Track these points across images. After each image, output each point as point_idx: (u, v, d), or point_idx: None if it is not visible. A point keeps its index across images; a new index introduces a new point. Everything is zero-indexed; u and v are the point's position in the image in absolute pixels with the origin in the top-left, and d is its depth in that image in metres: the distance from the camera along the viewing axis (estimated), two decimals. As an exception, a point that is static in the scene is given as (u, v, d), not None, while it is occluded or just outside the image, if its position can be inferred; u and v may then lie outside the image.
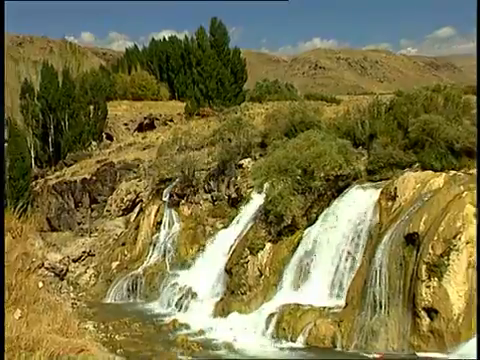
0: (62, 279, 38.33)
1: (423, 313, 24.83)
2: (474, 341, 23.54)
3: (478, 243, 22.31)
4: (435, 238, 25.46)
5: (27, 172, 49.22)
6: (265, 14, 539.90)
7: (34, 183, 49.63)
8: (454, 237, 25.17)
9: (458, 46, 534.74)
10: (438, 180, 28.61)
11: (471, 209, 25.66)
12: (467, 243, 25.02)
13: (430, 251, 25.34)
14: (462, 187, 27.29)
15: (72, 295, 36.35)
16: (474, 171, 28.89)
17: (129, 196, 44.36)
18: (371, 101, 37.97)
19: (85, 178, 47.27)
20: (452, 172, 29.13)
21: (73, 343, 9.17)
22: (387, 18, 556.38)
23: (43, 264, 37.57)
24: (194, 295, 33.20)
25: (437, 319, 24.56)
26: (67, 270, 39.12)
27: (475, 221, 25.55)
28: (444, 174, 29.05)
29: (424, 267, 25.22)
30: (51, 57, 68.80)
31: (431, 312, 24.72)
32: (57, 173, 50.61)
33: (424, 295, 24.93)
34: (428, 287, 24.96)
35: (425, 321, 24.77)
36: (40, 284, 12.37)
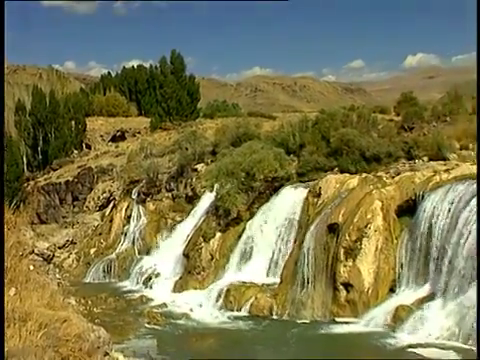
0: (49, 263, 37.84)
1: (341, 287, 25.15)
2: (380, 308, 24.05)
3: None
4: (351, 227, 25.79)
5: (20, 175, 48.54)
6: (215, 47, 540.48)
7: (26, 184, 48.87)
8: (365, 226, 25.56)
9: (367, 75, 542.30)
10: (353, 181, 28.94)
11: (378, 204, 26.07)
12: (375, 231, 25.44)
13: (347, 238, 25.66)
14: (372, 186, 27.66)
15: (57, 276, 35.79)
16: (381, 173, 29.30)
17: (104, 195, 43.96)
18: (300, 118, 38.22)
19: (68, 180, 46.73)
20: (364, 174, 29.46)
21: (58, 315, 9.08)
22: (312, 52, 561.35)
23: (33, 251, 37.04)
24: (158, 275, 33.04)
25: (352, 291, 24.92)
26: (53, 255, 38.76)
27: (381, 213, 25.97)
28: (358, 176, 29.39)
29: (342, 250, 25.53)
30: (40, 81, 67.96)
31: (347, 286, 25.06)
32: (45, 176, 49.87)
33: (342, 273, 25.24)
34: (345, 266, 25.28)
35: (343, 293, 25.09)
36: (31, 267, 12.23)
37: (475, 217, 22.37)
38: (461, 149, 30.68)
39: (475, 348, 20.18)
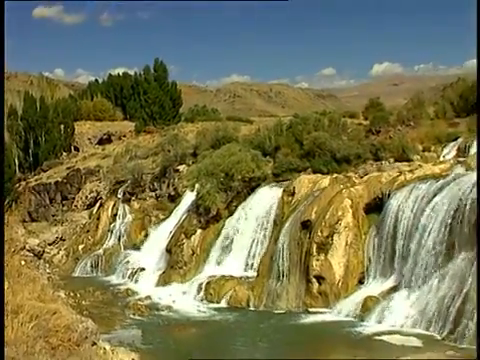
0: (40, 258, 37.85)
1: (314, 280, 25.29)
2: (349, 298, 24.24)
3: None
4: (323, 224, 25.94)
5: (12, 176, 48.05)
6: (196, 56, 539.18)
7: (18, 185, 48.38)
8: (336, 223, 25.73)
9: (337, 82, 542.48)
10: (325, 181, 29.10)
11: (348, 202, 26.26)
12: (345, 227, 25.62)
13: (319, 233, 25.80)
14: (342, 186, 27.85)
15: (48, 270, 35.68)
16: (351, 173, 29.50)
17: (92, 194, 43.69)
18: (275, 122, 38.30)
19: (58, 180, 46.36)
20: (335, 175, 29.65)
21: (48, 307, 9.07)
22: (286, 60, 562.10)
23: (25, 247, 36.78)
24: (142, 269, 32.93)
25: (324, 283, 25.07)
26: (44, 251, 38.65)
27: (351, 211, 26.15)
28: (329, 176, 29.57)
29: (315, 245, 25.66)
30: (31, 88, 67.11)
31: (319, 279, 25.20)
32: (36, 177, 49.42)
33: (315, 266, 25.38)
34: (317, 260, 25.41)
35: (315, 285, 25.23)
36: (23, 262, 12.19)
37: (436, 214, 22.68)
38: (424, 151, 31.00)
39: (437, 335, 20.56)
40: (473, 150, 28.20)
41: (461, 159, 27.76)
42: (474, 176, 22.64)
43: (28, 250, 37.18)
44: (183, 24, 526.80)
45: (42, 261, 37.87)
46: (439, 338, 20.31)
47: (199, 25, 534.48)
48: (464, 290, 20.56)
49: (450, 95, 38.19)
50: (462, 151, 29.34)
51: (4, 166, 45.66)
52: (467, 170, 25.29)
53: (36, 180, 48.53)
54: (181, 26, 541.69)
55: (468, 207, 21.64)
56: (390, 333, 21.18)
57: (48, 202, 45.97)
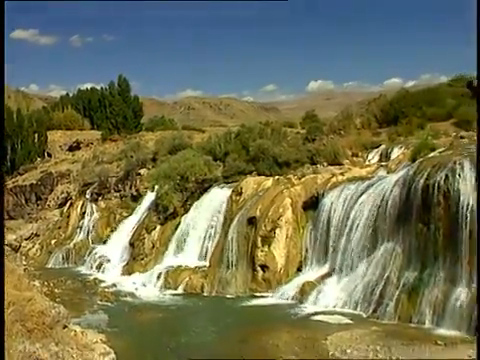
0: (16, 252, 36.88)
1: (259, 268, 25.35)
2: (289, 284, 24.38)
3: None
4: (266, 220, 26.04)
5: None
6: (155, 73, 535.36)
7: (-4, 187, 47.29)
8: (278, 219, 25.85)
9: (278, 96, 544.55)
10: (268, 182, 29.23)
11: (288, 200, 26.43)
12: (286, 222, 25.77)
13: (263, 228, 25.88)
14: (283, 186, 28.01)
15: (24, 262, 34.90)
16: (290, 176, 29.64)
17: (63, 195, 42.92)
18: (225, 131, 38.33)
19: (32, 183, 45.45)
20: (277, 177, 29.78)
21: (24, 295, 8.90)
22: (234, 78, 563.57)
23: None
24: (108, 261, 32.48)
25: (267, 271, 25.15)
26: (20, 246, 37.79)
27: (290, 208, 26.30)
28: (272, 178, 29.68)
29: (260, 238, 25.74)
30: (9, 101, 65.57)
31: (264, 267, 25.28)
32: (13, 180, 48.28)
33: (260, 256, 25.44)
34: (262, 251, 25.49)
35: (260, 273, 25.29)
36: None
37: (363, 210, 23.02)
38: (352, 156, 31.47)
39: (363, 313, 20.88)
40: (393, 155, 28.87)
41: (383, 163, 28.35)
42: (394, 177, 23.13)
43: (6, 245, 36.24)
44: (144, 45, 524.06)
45: (19, 254, 37.08)
46: (365, 316, 20.71)
47: (158, 46, 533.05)
48: (385, 275, 20.99)
49: (373, 109, 38.95)
50: (384, 156, 29.97)
51: (3, 168, 44.46)
52: (388, 172, 25.83)
53: (13, 183, 47.46)
54: (142, 47, 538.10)
55: (390, 204, 22.08)
56: (324, 313, 21.43)
57: (24, 202, 44.99)
